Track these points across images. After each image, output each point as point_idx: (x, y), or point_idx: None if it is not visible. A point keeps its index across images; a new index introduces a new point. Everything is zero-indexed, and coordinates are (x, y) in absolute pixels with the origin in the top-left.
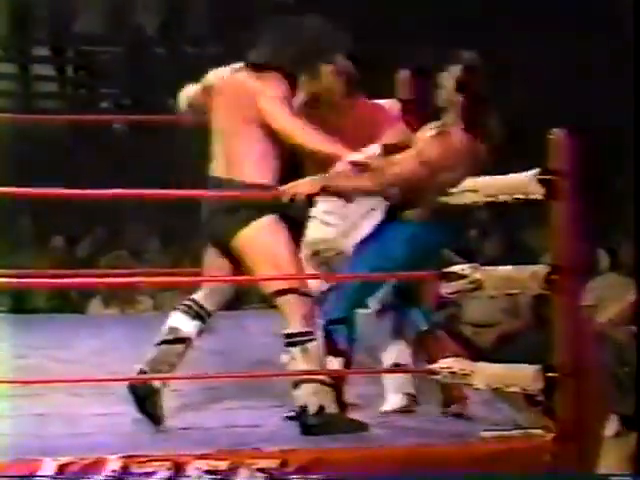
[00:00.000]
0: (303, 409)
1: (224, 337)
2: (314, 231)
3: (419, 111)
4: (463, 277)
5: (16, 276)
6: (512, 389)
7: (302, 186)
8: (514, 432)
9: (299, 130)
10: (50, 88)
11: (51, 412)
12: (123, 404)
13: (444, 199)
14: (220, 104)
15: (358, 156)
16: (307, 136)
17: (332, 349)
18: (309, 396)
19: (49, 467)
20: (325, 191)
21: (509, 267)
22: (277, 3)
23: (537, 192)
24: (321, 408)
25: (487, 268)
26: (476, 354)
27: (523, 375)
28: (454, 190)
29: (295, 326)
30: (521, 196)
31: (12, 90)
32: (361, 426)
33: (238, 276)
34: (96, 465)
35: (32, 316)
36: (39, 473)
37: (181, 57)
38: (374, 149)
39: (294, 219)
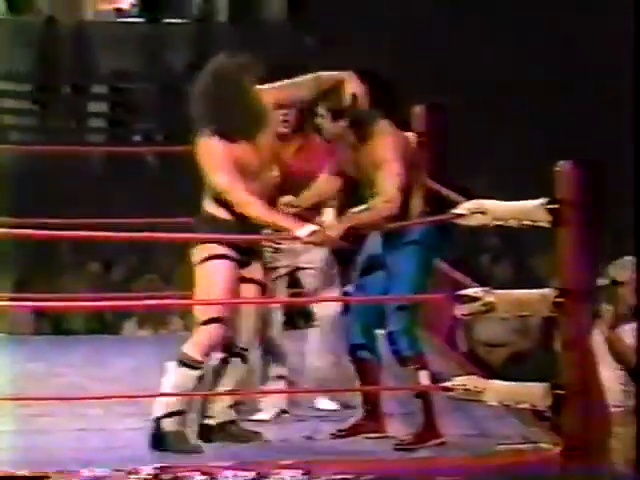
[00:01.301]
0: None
1: None
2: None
3: (433, 145)
4: (476, 299)
5: (56, 300)
6: (522, 405)
7: (331, 230)
8: (524, 446)
9: (244, 203)
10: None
11: (88, 427)
12: None
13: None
14: None
15: (307, 229)
16: (254, 208)
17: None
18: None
19: (84, 478)
20: (353, 230)
21: (519, 290)
22: (304, 45)
23: (544, 219)
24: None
25: (499, 291)
26: (488, 372)
27: (533, 392)
28: (463, 211)
29: (193, 351)
30: (529, 222)
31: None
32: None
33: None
34: (130, 475)
35: (70, 337)
36: None
37: None
38: (327, 214)
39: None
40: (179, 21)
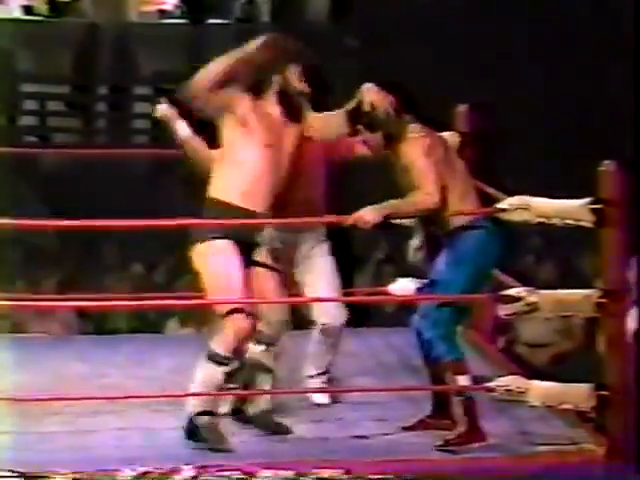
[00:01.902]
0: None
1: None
2: None
3: (477, 144)
4: (519, 300)
5: (100, 300)
6: (566, 406)
7: (368, 215)
8: (568, 447)
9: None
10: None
11: (131, 426)
12: None
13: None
14: None
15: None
16: None
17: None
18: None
19: (127, 476)
20: (388, 217)
21: (563, 291)
22: (345, 47)
23: (587, 219)
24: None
25: (542, 291)
26: (531, 373)
27: (576, 393)
28: (507, 206)
29: (221, 347)
30: (572, 222)
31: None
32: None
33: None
34: (171, 474)
35: (114, 337)
36: None
37: None
38: None
39: (246, 242)
40: (222, 22)
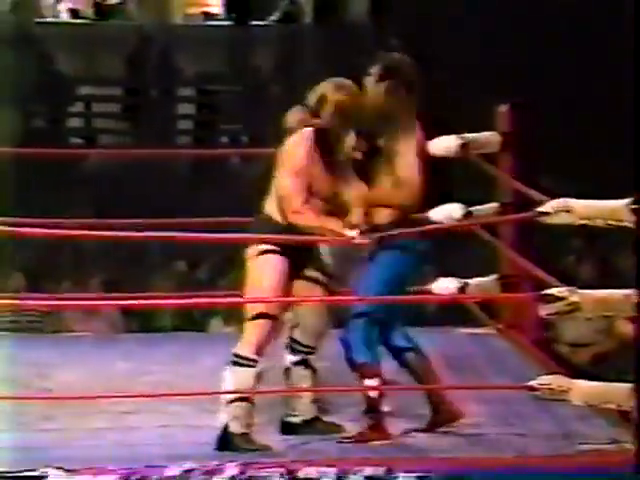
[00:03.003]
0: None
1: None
2: None
3: (518, 144)
4: (561, 299)
5: (144, 298)
6: (607, 405)
7: (355, 218)
8: (609, 446)
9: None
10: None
11: (175, 423)
12: None
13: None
14: None
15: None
16: (301, 217)
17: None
18: (233, 416)
19: (173, 472)
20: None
21: (603, 290)
22: (389, 44)
23: (629, 220)
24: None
25: (583, 291)
26: (573, 372)
27: (618, 392)
28: (548, 209)
29: (244, 349)
30: (613, 222)
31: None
32: (264, 447)
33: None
34: (216, 471)
35: (158, 335)
36: (164, 477)
37: (296, 95)
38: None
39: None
40: (265, 23)
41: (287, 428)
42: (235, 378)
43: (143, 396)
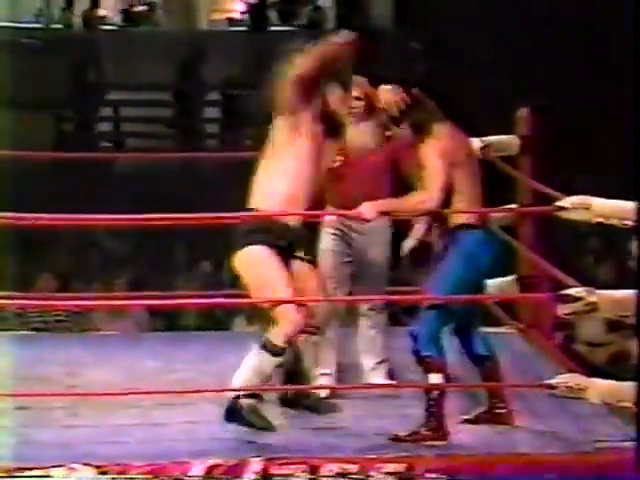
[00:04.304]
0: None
1: None
2: None
3: (538, 147)
4: (579, 299)
5: (170, 298)
6: (624, 404)
7: (367, 211)
8: (626, 444)
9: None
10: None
11: (200, 420)
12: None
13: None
14: None
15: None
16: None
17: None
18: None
19: (198, 468)
20: (387, 214)
21: (621, 291)
22: (409, 50)
23: None
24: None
25: (601, 291)
26: (590, 371)
27: (635, 391)
28: (567, 205)
29: (278, 338)
30: (630, 222)
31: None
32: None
33: None
34: (240, 467)
35: (183, 334)
36: (190, 474)
37: None
38: None
39: (282, 246)
40: (289, 29)
41: (285, 401)
42: (258, 361)
43: (167, 392)
